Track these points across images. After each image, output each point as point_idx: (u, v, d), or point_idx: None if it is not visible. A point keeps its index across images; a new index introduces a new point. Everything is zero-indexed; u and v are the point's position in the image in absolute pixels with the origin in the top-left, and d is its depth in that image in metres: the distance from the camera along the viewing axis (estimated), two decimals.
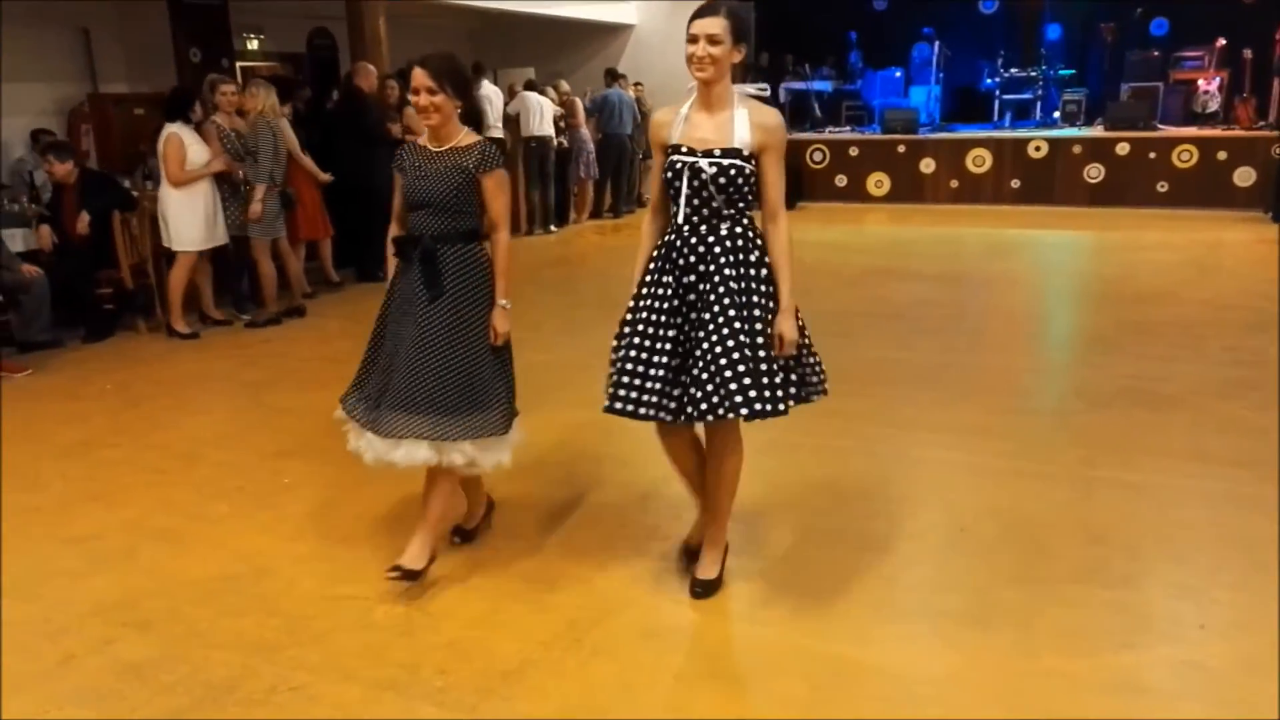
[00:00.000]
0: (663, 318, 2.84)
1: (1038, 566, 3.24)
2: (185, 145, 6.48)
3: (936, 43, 14.81)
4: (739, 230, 2.84)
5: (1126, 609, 2.97)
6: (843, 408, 4.84)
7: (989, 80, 14.78)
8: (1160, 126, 12.48)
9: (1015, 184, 12.36)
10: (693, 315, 2.81)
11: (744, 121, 2.79)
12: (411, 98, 3.08)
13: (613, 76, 12.14)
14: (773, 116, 2.84)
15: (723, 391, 2.71)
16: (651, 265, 2.91)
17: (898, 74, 15.36)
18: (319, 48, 11.66)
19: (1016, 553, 3.35)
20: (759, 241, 2.88)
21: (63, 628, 3.00)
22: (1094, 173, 12.00)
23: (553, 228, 11.36)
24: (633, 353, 2.84)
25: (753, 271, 2.83)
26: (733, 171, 2.77)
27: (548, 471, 4.07)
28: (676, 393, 2.81)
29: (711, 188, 2.78)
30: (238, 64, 9.88)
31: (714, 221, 2.82)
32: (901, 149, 12.80)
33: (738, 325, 2.75)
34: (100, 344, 6.62)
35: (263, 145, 6.70)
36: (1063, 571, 3.21)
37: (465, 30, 13.63)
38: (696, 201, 2.82)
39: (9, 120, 7.96)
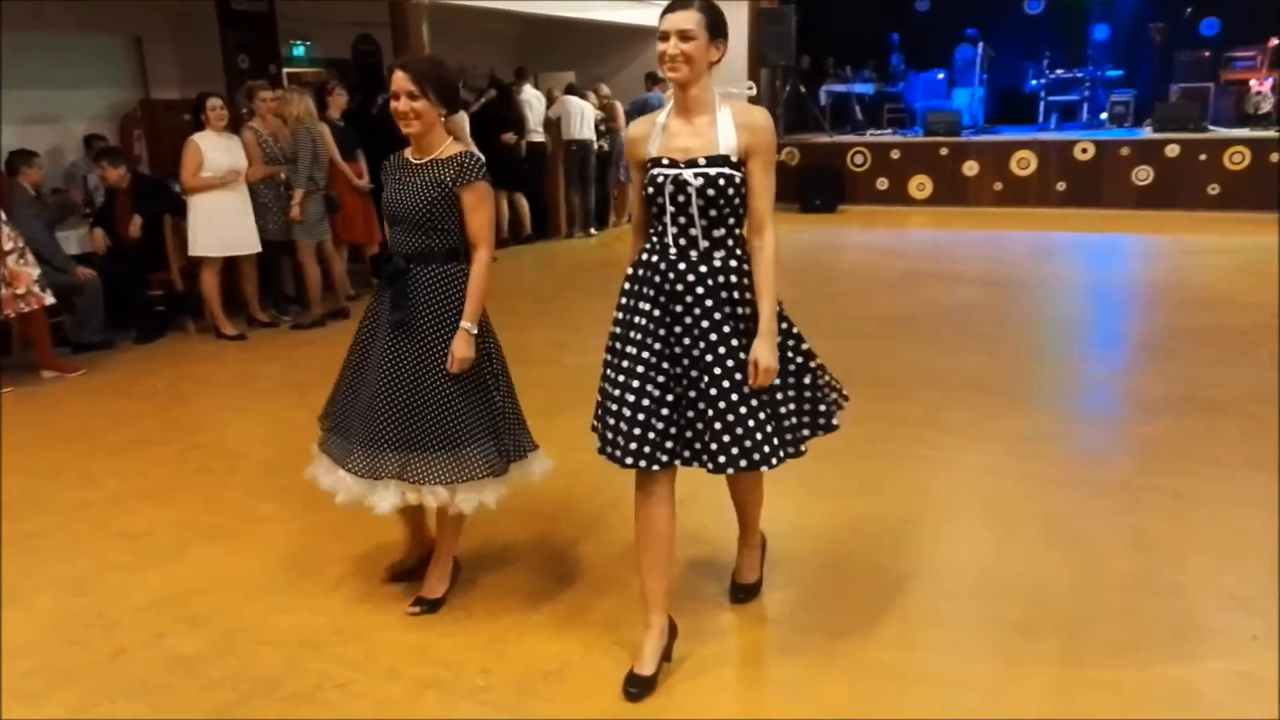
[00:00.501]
0: (645, 353, 2.52)
1: (1086, 575, 3.19)
2: (203, 152, 6.55)
3: (980, 44, 14.66)
4: (733, 263, 2.54)
5: (1177, 619, 2.91)
6: (884, 413, 4.82)
7: (1034, 82, 14.60)
8: (1211, 128, 12.23)
9: (1061, 187, 12.18)
10: (692, 350, 2.52)
11: (728, 124, 2.50)
12: (392, 102, 2.84)
13: (653, 80, 12.16)
14: (760, 115, 2.55)
15: (745, 444, 2.48)
16: (629, 287, 2.61)
17: (940, 76, 15.22)
18: (363, 53, 11.80)
19: (1064, 560, 3.29)
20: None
21: (115, 622, 3.06)
22: (1142, 175, 11.80)
23: (592, 230, 11.42)
24: (616, 391, 2.55)
25: (752, 310, 2.55)
26: (721, 182, 2.46)
27: (587, 475, 4.06)
28: (673, 433, 2.53)
29: (700, 202, 2.47)
30: (284, 70, 10.03)
31: (704, 245, 2.51)
32: (944, 151, 12.68)
33: (739, 375, 2.49)
34: (151, 345, 6.75)
35: (301, 150, 6.82)
36: (1112, 580, 3.15)
37: (507, 34, 13.71)
38: (683, 220, 2.50)
39: (66, 125, 8.14)
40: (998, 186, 12.46)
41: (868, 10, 15.21)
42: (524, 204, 10.73)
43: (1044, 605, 3.01)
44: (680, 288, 2.52)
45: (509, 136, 9.83)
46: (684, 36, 2.44)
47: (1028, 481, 3.97)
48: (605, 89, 11.74)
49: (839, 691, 2.61)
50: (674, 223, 2.52)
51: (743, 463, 2.48)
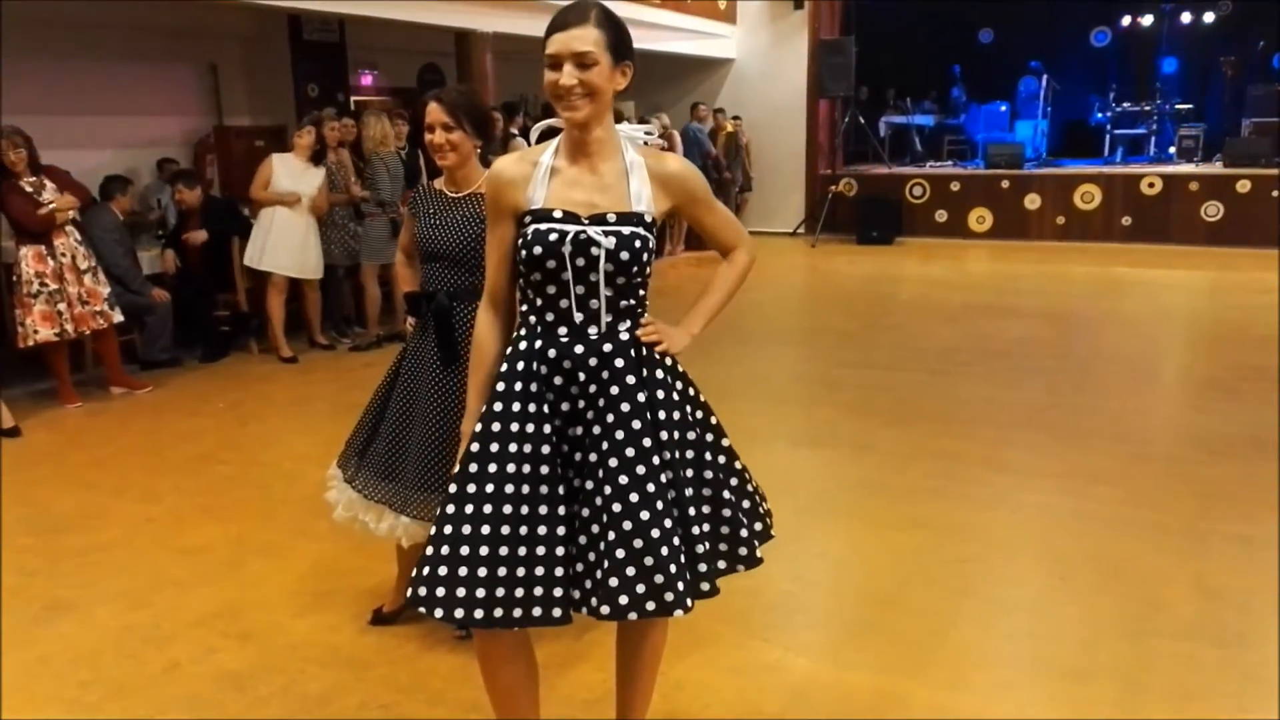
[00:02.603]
0: (539, 468, 1.94)
1: (1146, 620, 3.10)
2: (274, 170, 6.77)
3: (1044, 76, 14.50)
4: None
5: (1240, 669, 2.81)
6: (940, 449, 4.75)
7: (1100, 114, 14.38)
8: None
9: (1126, 221, 11.94)
10: (589, 456, 1.95)
11: (642, 176, 1.99)
12: (426, 135, 2.79)
13: (693, 110, 12.47)
14: (676, 164, 2.07)
15: (654, 580, 1.88)
16: (503, 388, 1.97)
17: (1003, 108, 15.08)
18: (429, 83, 12.05)
19: (1123, 605, 3.20)
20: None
21: (170, 636, 3.13)
22: (1212, 211, 11.52)
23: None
24: (484, 528, 1.90)
25: (675, 395, 2.04)
26: (637, 245, 1.94)
27: None
28: (558, 574, 1.93)
29: (609, 267, 1.93)
30: (352, 98, 10.29)
31: (608, 319, 1.97)
32: (1005, 184, 12.52)
33: (652, 488, 1.91)
34: (215, 364, 6.93)
35: (377, 175, 7.03)
36: (1172, 626, 3.06)
37: None
38: (581, 290, 1.94)
39: (145, 150, 8.44)
40: (1060, 220, 12.26)
41: (929, 42, 15.13)
42: None
43: (1100, 650, 2.93)
44: (583, 377, 1.96)
45: None
46: (582, 62, 1.88)
47: (1086, 522, 3.87)
48: (665, 118, 11.85)
49: None
50: (567, 294, 1.95)
51: (650, 605, 1.88)
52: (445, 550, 1.91)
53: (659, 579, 1.88)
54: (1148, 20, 15.18)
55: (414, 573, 1.95)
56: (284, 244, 6.86)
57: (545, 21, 1.94)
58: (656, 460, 1.94)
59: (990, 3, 14.81)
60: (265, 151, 7.07)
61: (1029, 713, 2.63)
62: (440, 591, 1.90)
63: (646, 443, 1.94)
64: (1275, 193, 11.16)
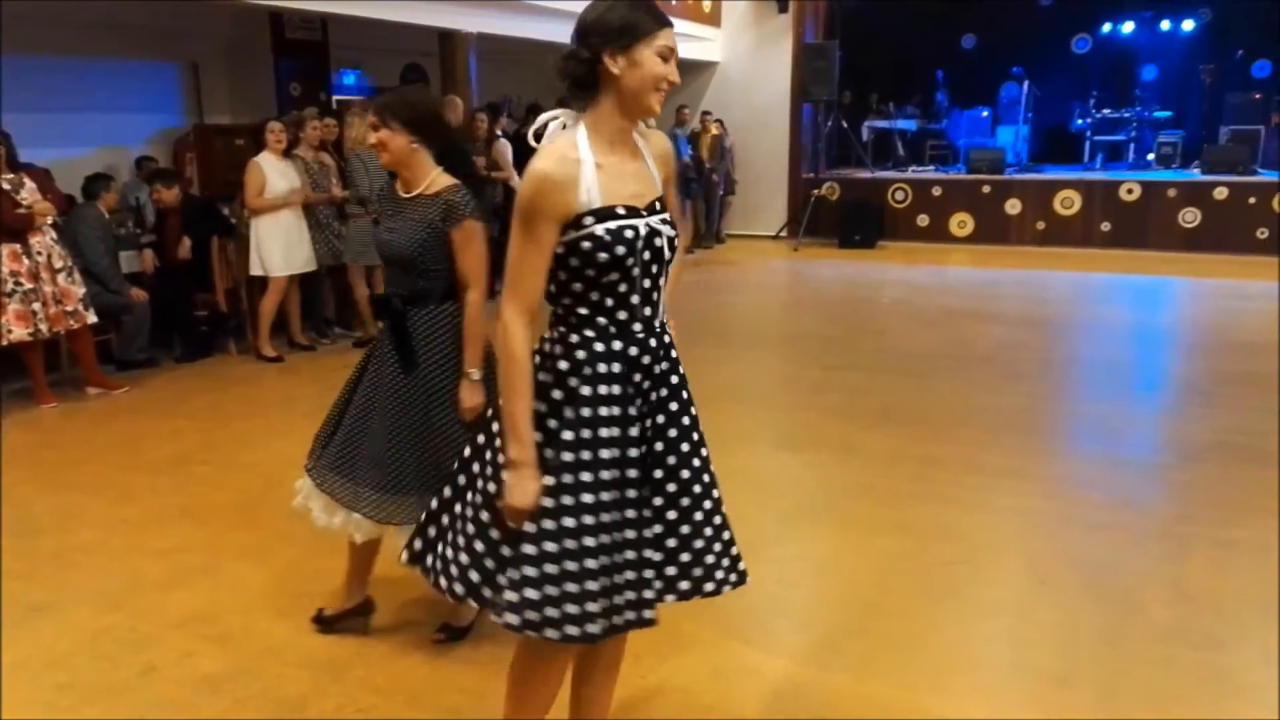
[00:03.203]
0: (628, 470, 1.94)
1: (1124, 624, 3.12)
2: (265, 174, 6.72)
3: (1026, 82, 14.60)
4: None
5: (1217, 673, 2.84)
6: (922, 453, 4.77)
7: (1080, 121, 14.50)
8: (1260, 171, 12.05)
9: (1105, 227, 12.04)
10: (655, 444, 1.99)
11: (649, 157, 2.06)
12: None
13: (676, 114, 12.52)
14: (666, 141, 2.13)
15: (732, 552, 2.09)
16: (589, 393, 1.90)
17: (984, 113, 15.15)
18: (411, 82, 12.00)
19: (1102, 608, 3.22)
20: None
21: (146, 638, 3.09)
22: (1190, 217, 11.63)
23: None
24: (588, 540, 1.89)
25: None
26: (677, 230, 2.02)
27: None
28: (650, 576, 2.00)
29: (669, 255, 1.97)
30: (334, 97, 10.23)
31: (663, 310, 2.01)
32: (986, 189, 12.60)
33: (713, 469, 2.06)
34: (194, 364, 6.86)
35: (355, 174, 6.99)
36: (1151, 630, 3.08)
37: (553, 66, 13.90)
38: (647, 284, 1.94)
39: (125, 148, 8.37)
40: (1040, 225, 12.35)
41: (912, 47, 15.19)
42: None
43: (1079, 653, 2.94)
44: (658, 371, 1.98)
45: None
46: (676, 60, 1.95)
47: (1066, 526, 3.89)
48: (651, 120, 11.86)
49: None
50: (636, 289, 1.93)
51: (734, 576, 2.09)
52: (551, 569, 1.87)
53: (735, 550, 2.08)
54: (1128, 28, 15.32)
55: (512, 596, 1.88)
56: (296, 244, 6.86)
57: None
58: (703, 448, 2.06)
59: (973, 9, 14.90)
60: (246, 150, 7.01)
61: (1009, 716, 2.64)
62: (552, 612, 1.87)
63: (695, 435, 2.03)
64: (1252, 200, 11.29)
